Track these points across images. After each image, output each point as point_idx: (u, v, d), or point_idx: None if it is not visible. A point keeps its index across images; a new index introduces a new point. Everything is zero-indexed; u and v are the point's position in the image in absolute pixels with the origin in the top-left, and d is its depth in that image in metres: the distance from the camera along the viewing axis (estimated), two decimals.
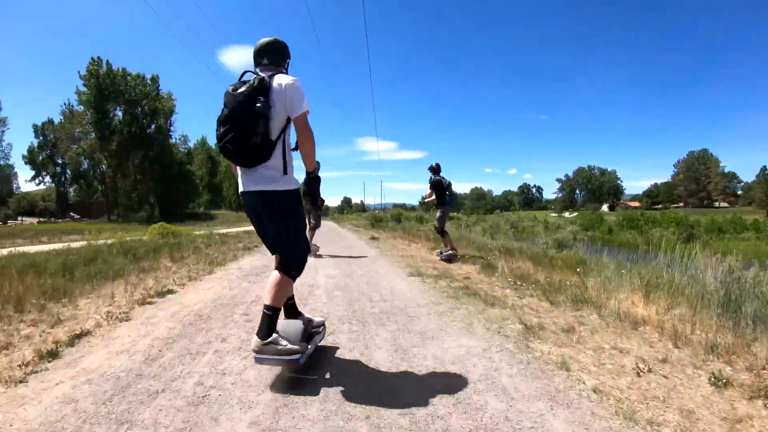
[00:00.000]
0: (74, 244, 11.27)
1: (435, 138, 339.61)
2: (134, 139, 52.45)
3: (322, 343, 3.21)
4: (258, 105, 2.45)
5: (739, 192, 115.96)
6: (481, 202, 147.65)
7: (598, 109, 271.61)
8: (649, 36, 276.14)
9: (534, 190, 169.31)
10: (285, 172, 2.59)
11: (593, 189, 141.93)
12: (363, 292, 5.17)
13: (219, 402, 2.31)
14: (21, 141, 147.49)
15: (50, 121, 63.54)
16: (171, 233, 13.16)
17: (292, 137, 2.69)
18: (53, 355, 3.04)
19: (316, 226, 8.83)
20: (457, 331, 3.57)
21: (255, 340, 2.54)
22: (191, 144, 75.98)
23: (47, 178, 66.43)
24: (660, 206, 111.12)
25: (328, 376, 2.69)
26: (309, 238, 6.20)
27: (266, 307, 2.59)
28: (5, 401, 2.34)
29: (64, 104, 58.21)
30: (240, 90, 2.51)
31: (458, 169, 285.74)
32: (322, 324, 3.19)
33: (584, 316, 4.18)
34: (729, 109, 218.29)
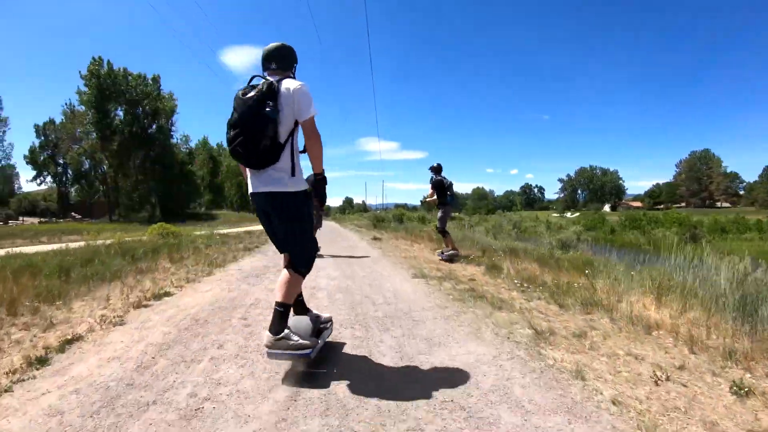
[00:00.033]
0: (73, 245, 11.15)
1: (436, 138, 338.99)
2: (135, 139, 52.39)
3: (329, 339, 3.21)
4: (267, 109, 2.53)
5: (741, 192, 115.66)
6: (483, 202, 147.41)
7: (599, 109, 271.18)
8: (650, 36, 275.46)
9: (536, 190, 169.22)
10: (293, 173, 2.67)
11: (595, 189, 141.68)
12: (366, 295, 5.02)
13: (213, 416, 2.16)
14: (22, 141, 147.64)
15: (51, 121, 63.62)
16: (171, 233, 13.04)
17: (300, 140, 2.76)
18: (42, 362, 2.90)
19: (318, 226, 8.75)
20: (464, 337, 3.41)
21: (267, 336, 2.61)
22: (192, 144, 75.93)
23: (48, 178, 66.52)
24: (662, 206, 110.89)
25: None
26: None
27: (278, 303, 2.65)
28: None
29: (66, 104, 58.17)
30: (250, 95, 2.58)
31: (460, 170, 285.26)
32: (330, 320, 3.23)
33: (595, 319, 4.03)
34: (731, 109, 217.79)
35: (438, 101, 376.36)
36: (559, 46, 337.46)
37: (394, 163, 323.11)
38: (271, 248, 11.32)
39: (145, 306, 4.46)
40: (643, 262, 6.35)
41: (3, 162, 62.24)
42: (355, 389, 2.47)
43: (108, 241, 10.84)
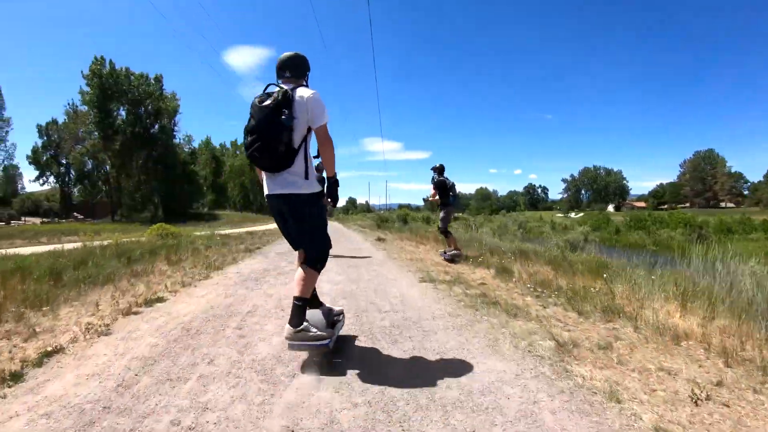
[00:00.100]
0: (69, 246, 10.87)
1: (439, 138, 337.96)
2: (138, 139, 52.28)
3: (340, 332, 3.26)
4: (283, 117, 2.67)
5: (746, 192, 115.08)
6: (487, 202, 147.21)
7: (602, 108, 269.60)
8: (652, 35, 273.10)
9: (539, 190, 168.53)
10: (306, 177, 2.83)
11: (599, 189, 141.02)
12: (371, 301, 4.70)
13: None
14: (25, 141, 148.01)
15: (54, 122, 63.63)
16: (170, 234, 12.75)
17: (313, 144, 2.94)
18: (16, 377, 2.63)
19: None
20: (481, 350, 3.09)
21: (287, 328, 2.78)
22: (195, 144, 75.75)
23: (51, 179, 66.48)
24: (666, 206, 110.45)
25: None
26: None
27: (296, 298, 2.82)
28: None
29: (68, 104, 58.14)
30: (266, 103, 2.73)
31: (463, 170, 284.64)
32: (342, 312, 3.39)
33: (618, 328, 3.73)
34: (735, 109, 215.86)
35: (440, 101, 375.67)
36: (560, 45, 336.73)
37: (397, 163, 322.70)
38: (272, 250, 11.09)
39: (135, 313, 4.17)
40: (655, 264, 6.06)
41: (6, 162, 62.31)
42: (362, 417, 2.17)
43: (105, 242, 10.59)
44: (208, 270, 7.02)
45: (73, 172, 64.24)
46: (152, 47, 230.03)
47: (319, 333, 2.76)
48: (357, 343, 3.31)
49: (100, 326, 3.67)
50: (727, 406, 2.33)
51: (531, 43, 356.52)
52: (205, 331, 3.56)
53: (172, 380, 2.57)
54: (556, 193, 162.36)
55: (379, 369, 2.76)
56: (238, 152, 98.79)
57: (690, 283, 4.70)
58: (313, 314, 2.96)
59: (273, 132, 2.70)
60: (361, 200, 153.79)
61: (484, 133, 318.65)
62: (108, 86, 49.34)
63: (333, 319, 3.08)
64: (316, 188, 2.89)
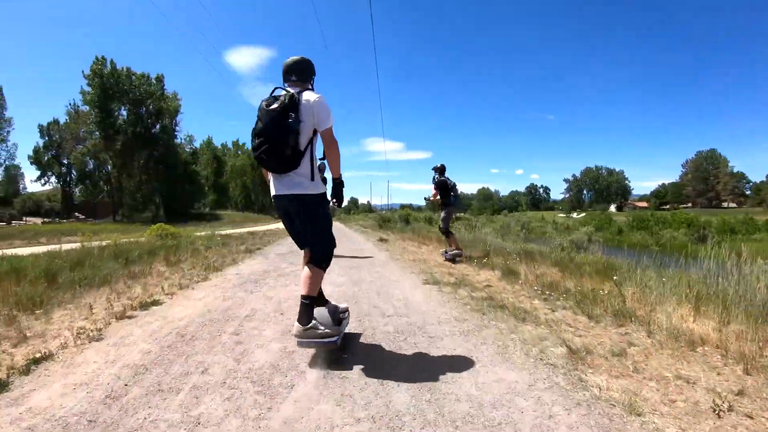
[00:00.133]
0: (67, 246, 10.73)
1: (441, 138, 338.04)
2: (139, 139, 52.22)
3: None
4: (290, 120, 2.75)
5: (748, 192, 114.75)
6: (489, 202, 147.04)
7: (604, 108, 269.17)
8: (653, 35, 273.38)
9: (541, 190, 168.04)
10: (312, 178, 2.90)
11: (601, 189, 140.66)
12: (374, 305, 4.54)
13: None
14: (26, 141, 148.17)
15: (56, 122, 63.57)
16: (170, 235, 12.61)
17: (318, 146, 3.00)
18: (1, 386, 2.50)
19: None
20: (490, 358, 2.94)
21: (297, 326, 2.83)
22: (197, 144, 75.75)
23: (53, 179, 66.47)
24: (668, 207, 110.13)
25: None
26: None
27: (303, 297, 2.88)
28: None
29: (70, 104, 58.12)
30: (273, 106, 2.79)
31: (464, 170, 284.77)
32: (347, 310, 3.40)
33: (630, 333, 3.59)
34: (736, 109, 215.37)
35: (440, 101, 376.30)
36: (560, 45, 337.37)
37: (399, 163, 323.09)
38: (272, 250, 10.95)
39: (129, 317, 4.02)
40: (661, 265, 5.91)
41: (7, 162, 62.18)
42: None
43: (104, 243, 10.46)
44: (207, 271, 6.87)
45: (74, 172, 64.20)
46: (153, 48, 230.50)
47: (327, 330, 2.83)
48: (360, 350, 3.16)
49: (92, 331, 3.53)
50: (751, 418, 2.20)
51: (531, 43, 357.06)
52: (200, 336, 3.41)
53: (163, 391, 2.42)
54: (558, 193, 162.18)
55: (383, 379, 2.60)
56: (239, 152, 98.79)
57: (703, 286, 4.56)
58: (320, 312, 3.00)
59: (280, 135, 2.76)
60: (362, 200, 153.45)
61: (486, 133, 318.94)
62: (109, 86, 49.29)
63: (339, 316, 3.11)
64: (322, 189, 2.98)
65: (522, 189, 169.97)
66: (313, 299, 2.91)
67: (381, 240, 14.69)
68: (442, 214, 8.62)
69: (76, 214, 62.16)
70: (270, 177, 3.03)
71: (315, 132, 2.91)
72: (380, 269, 7.30)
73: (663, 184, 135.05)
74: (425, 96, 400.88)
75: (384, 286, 5.63)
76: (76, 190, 66.73)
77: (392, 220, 29.15)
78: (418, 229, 17.34)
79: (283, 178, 2.91)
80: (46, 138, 64.23)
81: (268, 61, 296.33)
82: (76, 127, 58.15)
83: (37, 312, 4.13)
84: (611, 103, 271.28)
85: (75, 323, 3.82)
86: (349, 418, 2.13)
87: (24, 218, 53.42)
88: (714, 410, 2.24)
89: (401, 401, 2.31)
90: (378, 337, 3.44)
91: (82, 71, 49.11)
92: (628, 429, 2.05)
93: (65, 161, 64.73)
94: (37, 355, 2.97)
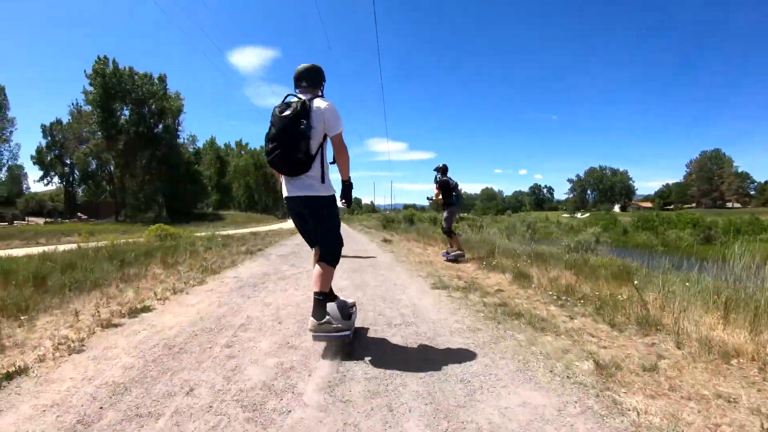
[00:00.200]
0: (63, 247, 10.47)
1: (444, 139, 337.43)
2: (141, 139, 52.13)
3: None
4: (302, 127, 2.90)
5: (753, 192, 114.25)
6: (492, 202, 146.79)
7: (606, 109, 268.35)
8: (653, 35, 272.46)
9: (545, 190, 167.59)
10: (323, 180, 3.06)
11: (605, 189, 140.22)
12: (379, 312, 4.22)
13: None
14: (27, 141, 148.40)
15: (58, 122, 63.54)
16: (169, 235, 12.33)
17: (328, 150, 3.15)
18: None
19: None
20: (511, 376, 2.62)
21: (312, 321, 2.98)
22: (200, 144, 75.67)
23: (55, 179, 66.48)
24: (672, 207, 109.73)
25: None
26: None
27: (316, 293, 3.03)
28: None
29: (72, 104, 58.09)
30: (286, 113, 2.94)
31: (468, 170, 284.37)
32: (354, 304, 3.53)
33: (657, 343, 3.30)
34: (740, 109, 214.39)
35: (440, 101, 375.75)
36: (560, 45, 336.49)
37: (402, 163, 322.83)
38: (274, 252, 10.68)
39: (116, 325, 3.72)
40: (674, 267, 5.59)
41: (10, 162, 62.17)
42: None
43: (101, 243, 10.20)
44: (204, 274, 6.58)
45: (77, 172, 64.22)
46: (156, 48, 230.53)
47: (340, 325, 2.97)
48: (365, 367, 2.84)
49: (73, 342, 3.24)
50: None
51: (531, 43, 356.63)
52: (189, 349, 3.10)
53: (141, 416, 2.12)
54: (561, 193, 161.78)
55: (392, 403, 2.28)
56: (242, 152, 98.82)
57: (732, 291, 4.24)
58: (330, 307, 3.07)
59: (292, 141, 2.92)
60: (366, 200, 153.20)
61: (489, 133, 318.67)
62: (111, 86, 49.20)
63: (348, 311, 3.20)
64: (332, 191, 3.14)
65: (525, 189, 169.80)
66: (326, 295, 3.06)
67: (385, 241, 14.39)
68: (445, 215, 8.65)
69: (79, 214, 62.08)
70: (282, 179, 3.18)
71: (325, 137, 3.05)
72: (385, 272, 6.99)
73: (667, 184, 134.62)
74: (426, 96, 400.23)
75: (389, 291, 5.32)
76: (79, 190, 66.80)
77: (396, 221, 28.82)
78: (423, 230, 16.99)
79: (295, 180, 3.05)
80: (49, 138, 64.24)
81: (271, 62, 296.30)
82: (78, 127, 58.12)
83: (22, 318, 3.86)
84: (612, 103, 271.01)
85: (59, 331, 3.55)
86: None
87: (27, 218, 53.30)
88: None
89: (413, 428, 2.00)
90: (385, 350, 3.13)
91: (84, 71, 49.13)
92: None
93: (68, 161, 64.73)
94: (11, 369, 2.68)
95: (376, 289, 5.47)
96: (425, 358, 2.94)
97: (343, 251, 3.45)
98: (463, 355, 2.99)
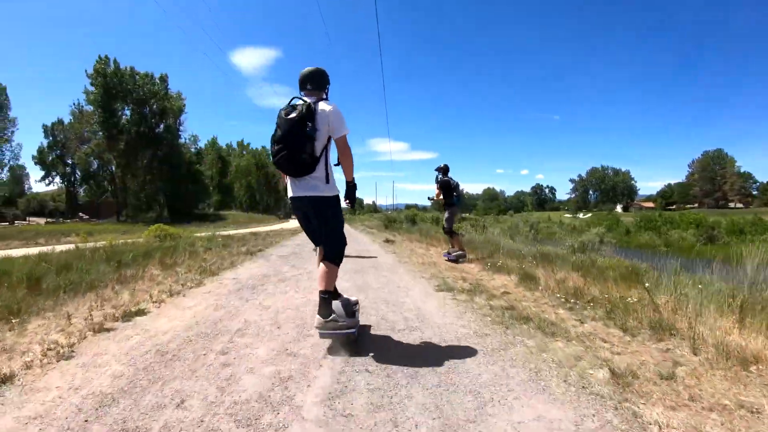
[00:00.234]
0: (61, 247, 10.34)
1: (446, 139, 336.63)
2: (143, 139, 52.08)
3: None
4: (307, 129, 2.98)
5: (755, 192, 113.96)
6: (494, 202, 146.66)
7: (607, 109, 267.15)
8: (653, 35, 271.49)
9: (547, 190, 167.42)
10: (327, 181, 3.13)
11: (607, 189, 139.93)
12: (382, 316, 4.07)
13: None
14: (29, 141, 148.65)
15: (60, 122, 63.54)
16: (168, 236, 12.19)
17: (333, 152, 3.22)
18: None
19: None
20: (523, 387, 2.46)
21: (318, 319, 3.06)
22: (201, 144, 75.62)
23: (57, 179, 66.47)
24: (674, 207, 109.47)
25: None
26: None
27: (322, 292, 3.10)
28: None
29: (74, 104, 58.05)
30: (291, 115, 3.02)
31: (470, 170, 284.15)
32: (357, 302, 3.51)
33: (672, 349, 3.16)
34: (742, 109, 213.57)
35: (441, 101, 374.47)
36: (560, 45, 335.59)
37: (403, 163, 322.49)
38: (274, 252, 10.56)
39: (108, 330, 3.58)
40: (682, 268, 5.44)
41: (12, 162, 62.09)
42: None
43: (99, 244, 10.08)
44: (202, 276, 6.43)
45: (78, 172, 64.19)
46: (156, 48, 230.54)
47: (345, 323, 3.05)
48: (367, 377, 2.69)
49: (63, 347, 3.10)
50: None
51: (531, 43, 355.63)
52: (182, 356, 2.95)
53: (127, 431, 1.97)
54: (563, 193, 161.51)
55: (398, 417, 2.13)
56: (244, 152, 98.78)
57: (747, 293, 4.09)
58: (335, 305, 3.12)
59: (298, 143, 2.99)
60: (368, 200, 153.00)
61: (490, 133, 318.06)
62: (112, 85, 49.15)
63: (352, 309, 3.24)
64: (336, 191, 3.20)
65: (527, 189, 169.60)
66: (331, 293, 3.13)
67: (387, 241, 14.25)
68: (446, 215, 8.69)
69: (81, 214, 62.06)
70: (287, 180, 3.25)
71: (329, 139, 3.11)
72: (388, 273, 6.84)
73: (669, 185, 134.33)
74: (426, 96, 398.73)
75: (393, 293, 5.17)
76: (81, 190, 66.77)
77: (398, 221, 28.65)
78: (426, 230, 16.85)
79: (300, 181, 3.11)
80: (51, 138, 64.22)
81: (273, 62, 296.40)
82: (80, 127, 58.09)
83: (13, 321, 3.72)
84: (613, 103, 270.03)
85: (50, 335, 3.42)
86: None
87: (28, 218, 53.29)
88: None
89: None
90: (389, 358, 2.98)
91: (85, 71, 49.07)
92: None
93: (69, 161, 64.72)
94: None
95: (379, 291, 5.32)
96: (431, 367, 2.78)
97: (345, 251, 3.37)
98: (472, 363, 2.83)
